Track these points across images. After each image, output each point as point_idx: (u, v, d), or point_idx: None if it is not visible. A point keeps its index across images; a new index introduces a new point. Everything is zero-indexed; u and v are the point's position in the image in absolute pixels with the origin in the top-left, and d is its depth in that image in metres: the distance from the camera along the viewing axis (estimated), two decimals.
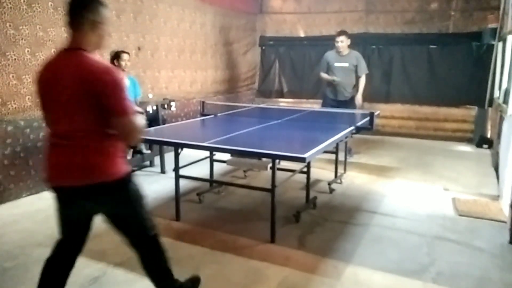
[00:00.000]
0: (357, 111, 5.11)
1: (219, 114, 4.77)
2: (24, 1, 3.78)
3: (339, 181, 4.51)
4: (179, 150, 3.43)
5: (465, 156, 6.00)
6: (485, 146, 6.38)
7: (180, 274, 2.20)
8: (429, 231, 3.28)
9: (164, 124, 4.76)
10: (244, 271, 2.65)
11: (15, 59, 3.75)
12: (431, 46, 7.01)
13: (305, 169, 3.76)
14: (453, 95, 6.90)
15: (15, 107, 3.80)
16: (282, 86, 8.35)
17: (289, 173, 3.73)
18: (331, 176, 4.52)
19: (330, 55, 5.62)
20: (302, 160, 2.69)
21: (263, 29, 8.44)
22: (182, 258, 2.75)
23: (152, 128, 3.84)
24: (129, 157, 4.67)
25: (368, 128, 3.98)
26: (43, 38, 3.98)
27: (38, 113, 3.99)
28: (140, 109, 2.07)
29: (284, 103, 8.23)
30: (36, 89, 1.89)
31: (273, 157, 2.92)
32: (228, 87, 7.63)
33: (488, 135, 6.60)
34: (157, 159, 5.09)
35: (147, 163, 5.15)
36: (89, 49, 1.81)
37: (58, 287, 2.00)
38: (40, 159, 4.06)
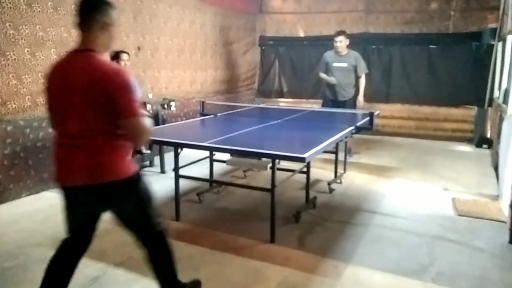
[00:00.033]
0: (357, 111, 5.11)
1: (219, 114, 4.77)
2: (23, 1, 3.77)
3: (339, 181, 4.51)
4: (179, 150, 3.42)
5: (465, 156, 6.01)
6: (485, 146, 6.38)
7: (180, 274, 2.19)
8: (429, 231, 3.29)
9: (164, 124, 4.76)
10: (244, 271, 2.65)
11: (14, 59, 3.74)
12: (431, 46, 7.01)
13: (305, 169, 3.76)
14: (453, 95, 6.90)
15: (15, 107, 3.80)
16: (282, 86, 8.35)
17: (289, 173, 3.73)
18: (331, 176, 4.52)
19: (329, 55, 5.62)
20: (302, 160, 2.69)
21: (263, 29, 8.43)
22: (182, 258, 2.73)
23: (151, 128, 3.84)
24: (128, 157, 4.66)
25: (368, 128, 3.99)
26: (42, 38, 3.98)
27: (37, 113, 4.00)
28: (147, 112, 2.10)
29: (284, 103, 8.22)
30: (44, 89, 1.91)
31: (273, 157, 2.92)
32: (228, 87, 7.63)
33: (488, 135, 6.60)
34: (157, 159, 5.08)
35: (147, 163, 5.15)
36: (99, 50, 1.84)
37: (62, 286, 2.00)
38: (39, 159, 4.07)
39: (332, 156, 4.45)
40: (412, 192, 4.29)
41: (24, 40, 3.81)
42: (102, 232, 2.40)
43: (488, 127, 6.67)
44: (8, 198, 3.80)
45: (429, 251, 2.94)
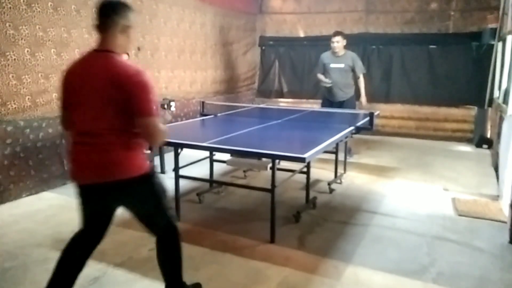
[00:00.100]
0: (357, 111, 5.11)
1: (219, 114, 4.77)
2: (23, 1, 3.77)
3: (339, 181, 4.51)
4: (179, 150, 3.42)
5: (465, 156, 6.01)
6: (485, 146, 6.38)
7: None
8: (429, 231, 3.28)
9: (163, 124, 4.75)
10: (244, 271, 2.65)
11: (14, 59, 3.74)
12: (431, 46, 7.01)
13: (305, 169, 3.76)
14: (453, 95, 6.89)
15: (15, 107, 3.79)
16: (282, 86, 8.34)
17: (289, 173, 3.73)
18: (331, 176, 4.52)
19: (326, 56, 5.62)
20: (302, 160, 2.69)
21: (263, 29, 8.44)
22: (183, 258, 2.74)
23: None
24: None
25: (368, 128, 3.98)
26: (42, 38, 3.98)
27: (37, 113, 4.00)
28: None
29: (284, 103, 8.23)
30: (61, 87, 1.95)
31: (273, 157, 2.92)
32: (228, 87, 7.63)
33: (488, 135, 6.60)
34: (156, 159, 5.08)
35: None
36: (118, 51, 1.90)
37: (71, 277, 2.02)
38: (40, 159, 4.07)
39: (332, 156, 4.45)
40: (412, 192, 4.29)
41: (24, 40, 3.81)
42: None
43: (488, 127, 6.67)
44: (8, 199, 3.80)
45: (429, 251, 2.94)
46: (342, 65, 5.48)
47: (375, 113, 4.11)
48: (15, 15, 3.71)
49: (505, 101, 4.79)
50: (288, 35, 8.20)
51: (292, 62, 8.17)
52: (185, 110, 6.33)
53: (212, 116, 4.67)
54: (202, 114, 4.80)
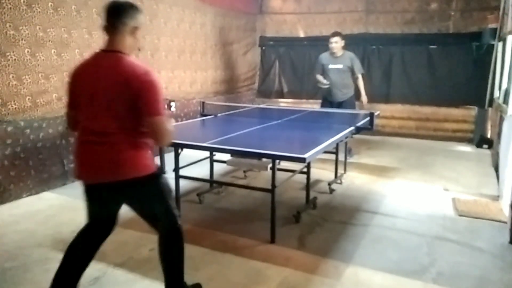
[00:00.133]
0: (356, 111, 5.11)
1: (219, 115, 4.77)
2: (24, 2, 3.78)
3: (339, 181, 4.51)
4: (179, 151, 3.43)
5: (465, 156, 6.00)
6: (485, 146, 6.38)
7: None
8: (429, 231, 3.28)
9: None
10: (244, 271, 2.65)
11: (15, 59, 3.74)
12: (431, 46, 7.00)
13: (305, 170, 3.76)
14: (453, 95, 6.89)
15: (15, 108, 3.80)
16: (282, 86, 8.34)
17: (289, 174, 3.73)
18: (331, 176, 4.52)
19: (324, 56, 5.62)
20: (302, 160, 2.69)
21: (263, 29, 8.43)
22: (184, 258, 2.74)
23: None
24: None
25: (368, 128, 3.98)
26: (43, 39, 3.98)
27: (38, 113, 4.00)
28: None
29: (284, 103, 8.23)
30: (69, 88, 1.97)
31: (273, 158, 2.93)
32: (228, 88, 7.63)
33: (488, 135, 6.60)
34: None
35: None
36: (126, 52, 1.94)
37: (77, 274, 2.03)
38: (40, 159, 4.07)
39: (333, 157, 4.45)
40: (413, 192, 4.29)
41: (24, 40, 3.81)
42: None
43: (489, 127, 6.67)
44: (9, 199, 3.80)
45: (430, 252, 2.94)
46: (340, 66, 5.49)
47: (375, 113, 4.11)
48: (16, 15, 3.71)
49: (505, 101, 4.79)
50: (288, 35, 8.20)
51: (292, 62, 8.17)
52: (185, 110, 6.33)
53: (212, 116, 4.67)
54: (202, 114, 4.80)
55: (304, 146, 3.09)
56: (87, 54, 2.37)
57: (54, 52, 4.10)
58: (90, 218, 2.06)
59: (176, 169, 3.46)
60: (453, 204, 3.88)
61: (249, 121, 4.27)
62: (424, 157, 5.84)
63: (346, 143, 4.67)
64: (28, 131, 3.94)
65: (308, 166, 3.73)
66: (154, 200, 2.02)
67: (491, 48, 6.21)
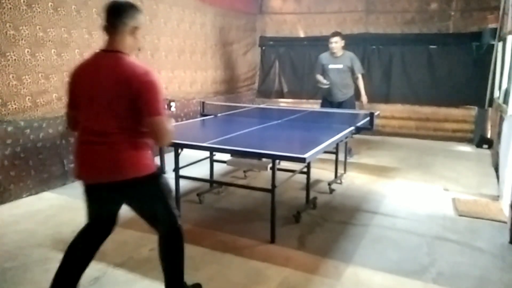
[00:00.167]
0: (356, 111, 5.11)
1: (219, 115, 4.77)
2: (24, 2, 3.78)
3: (339, 181, 4.51)
4: (179, 151, 3.43)
5: (465, 156, 6.00)
6: (485, 146, 6.38)
7: None
8: (429, 231, 3.28)
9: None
10: (244, 271, 2.65)
11: (15, 59, 3.74)
12: (431, 46, 7.00)
13: (305, 170, 3.76)
14: (453, 95, 6.89)
15: (15, 108, 3.80)
16: (282, 86, 8.34)
17: (289, 174, 3.73)
18: (331, 176, 4.52)
19: (324, 56, 5.62)
20: (302, 160, 2.69)
21: (263, 29, 8.44)
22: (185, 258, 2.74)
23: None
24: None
25: (368, 128, 3.98)
26: (43, 39, 3.98)
27: (38, 113, 4.00)
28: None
29: (284, 103, 8.23)
30: (69, 88, 1.97)
31: (273, 158, 2.92)
32: (228, 88, 7.63)
33: (488, 135, 6.60)
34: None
35: None
36: (126, 52, 1.94)
37: (77, 273, 2.03)
38: (40, 159, 4.07)
39: (333, 157, 4.45)
40: (413, 192, 4.29)
41: (24, 40, 3.81)
42: None
43: (489, 127, 6.67)
44: (9, 199, 3.80)
45: (430, 252, 2.94)
46: (340, 66, 5.49)
47: (375, 113, 4.11)
48: (16, 15, 3.71)
49: (505, 101, 4.79)
50: (288, 35, 8.20)
51: (292, 62, 8.17)
52: (185, 110, 6.33)
53: (212, 116, 4.67)
54: (202, 114, 4.80)
55: (304, 146, 3.09)
56: (87, 54, 2.37)
57: (54, 52, 4.11)
58: (90, 218, 2.06)
59: (176, 169, 3.46)
60: (453, 204, 3.88)
61: (249, 121, 4.27)
62: (424, 157, 5.84)
63: (346, 143, 4.67)
64: (28, 131, 3.94)
65: (308, 166, 3.73)
66: (154, 200, 2.03)
67: (491, 48, 6.21)
